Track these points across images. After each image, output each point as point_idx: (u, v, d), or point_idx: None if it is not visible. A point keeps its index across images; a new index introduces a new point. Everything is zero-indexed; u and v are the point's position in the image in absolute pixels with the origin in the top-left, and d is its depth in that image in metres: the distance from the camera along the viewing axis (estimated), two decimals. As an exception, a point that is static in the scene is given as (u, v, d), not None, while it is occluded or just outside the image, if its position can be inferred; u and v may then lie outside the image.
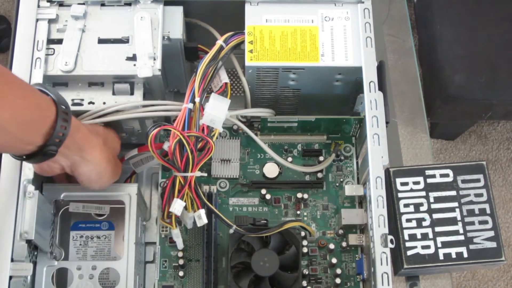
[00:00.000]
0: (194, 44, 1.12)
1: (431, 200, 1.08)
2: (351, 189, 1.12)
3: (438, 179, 1.10)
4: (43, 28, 1.06)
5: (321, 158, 1.17)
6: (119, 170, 1.05)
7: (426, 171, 1.10)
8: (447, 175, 1.10)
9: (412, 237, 1.05)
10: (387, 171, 1.13)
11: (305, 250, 1.10)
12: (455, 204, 1.08)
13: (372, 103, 1.03)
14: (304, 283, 1.08)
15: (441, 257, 1.05)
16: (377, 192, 0.99)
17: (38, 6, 1.07)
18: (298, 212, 1.14)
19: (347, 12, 1.09)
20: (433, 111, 2.13)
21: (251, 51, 1.07)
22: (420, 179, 1.09)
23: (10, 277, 0.93)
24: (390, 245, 0.96)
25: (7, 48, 1.08)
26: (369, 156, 1.01)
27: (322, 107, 1.17)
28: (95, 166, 0.97)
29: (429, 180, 1.09)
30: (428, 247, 1.05)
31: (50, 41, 1.06)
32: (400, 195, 1.06)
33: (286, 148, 1.18)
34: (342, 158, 1.18)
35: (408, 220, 1.06)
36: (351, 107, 1.15)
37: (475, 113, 2.15)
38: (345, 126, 1.15)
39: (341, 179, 1.17)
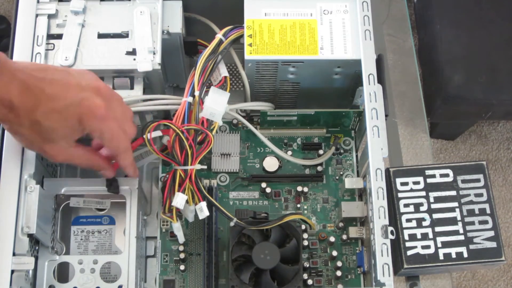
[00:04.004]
0: (193, 39, 1.12)
1: (431, 200, 1.08)
2: (351, 182, 1.13)
3: (438, 179, 1.10)
4: (43, 23, 1.06)
5: (320, 152, 1.17)
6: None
7: (426, 171, 1.10)
8: (447, 175, 1.10)
9: (412, 237, 1.05)
10: (387, 171, 1.13)
11: (305, 243, 1.10)
12: (455, 204, 1.08)
13: (371, 96, 1.04)
14: (305, 275, 1.08)
15: (441, 257, 1.05)
16: (377, 183, 0.99)
17: (38, 2, 1.07)
18: (298, 206, 1.15)
19: (345, 5, 1.10)
20: (433, 111, 2.13)
21: (250, 45, 1.07)
22: (420, 179, 1.09)
23: (12, 271, 0.93)
24: (391, 236, 0.96)
25: (7, 48, 1.08)
26: (369, 147, 1.01)
27: (321, 101, 1.17)
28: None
29: (429, 180, 1.09)
30: (428, 247, 1.05)
31: (50, 36, 1.06)
32: (400, 195, 1.06)
33: (285, 141, 1.18)
34: (342, 151, 1.18)
35: (408, 220, 1.06)
36: (350, 100, 1.15)
37: (475, 113, 2.16)
38: (345, 119, 1.15)
39: (341, 172, 1.17)
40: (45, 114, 0.86)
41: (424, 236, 1.05)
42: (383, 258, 0.95)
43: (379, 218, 0.97)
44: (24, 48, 1.04)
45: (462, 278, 2.32)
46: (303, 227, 1.10)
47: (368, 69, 1.05)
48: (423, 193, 1.08)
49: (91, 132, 0.90)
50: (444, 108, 2.09)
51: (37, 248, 0.99)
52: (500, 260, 1.06)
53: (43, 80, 0.86)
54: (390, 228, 0.96)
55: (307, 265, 1.10)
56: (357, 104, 1.14)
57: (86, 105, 0.87)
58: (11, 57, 1.04)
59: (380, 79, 1.05)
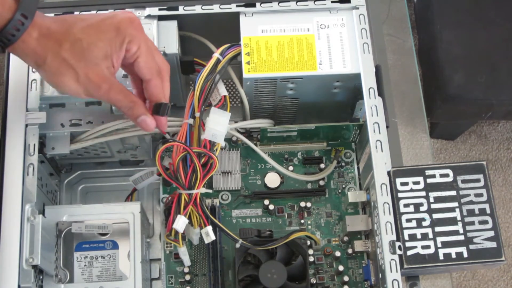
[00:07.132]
0: (190, 58, 1.11)
1: (431, 200, 1.07)
2: (354, 196, 1.12)
3: (438, 179, 1.08)
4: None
5: (322, 166, 1.16)
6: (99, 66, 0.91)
7: (426, 171, 1.09)
8: (447, 175, 1.09)
9: (412, 237, 1.04)
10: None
11: (311, 259, 1.09)
12: (455, 204, 1.07)
13: (372, 110, 1.03)
14: (312, 292, 1.07)
15: (441, 257, 1.04)
16: (382, 199, 0.99)
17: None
18: (302, 221, 1.14)
19: (342, 19, 1.09)
20: (433, 111, 2.13)
21: (248, 63, 1.06)
22: (420, 179, 1.08)
23: (18, 304, 0.92)
24: (399, 252, 0.96)
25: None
26: (373, 163, 1.00)
27: (320, 114, 1.17)
28: (49, 74, 0.91)
29: (429, 180, 1.08)
30: (428, 247, 1.04)
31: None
32: (400, 195, 1.05)
33: (286, 157, 1.18)
34: (343, 164, 1.17)
35: (408, 220, 1.05)
36: (349, 112, 1.14)
37: (475, 113, 2.15)
38: (345, 132, 1.14)
39: (343, 186, 1.16)
40: (82, 30, 0.88)
41: (424, 236, 1.04)
42: (392, 274, 0.95)
43: (386, 234, 0.97)
44: (19, 75, 1.03)
45: (462, 278, 2.32)
46: (308, 243, 1.09)
47: (368, 83, 1.04)
48: (423, 193, 1.07)
49: (130, 41, 0.91)
50: (444, 108, 2.09)
51: (41, 277, 0.98)
52: (500, 260, 1.06)
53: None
54: (398, 244, 0.96)
55: (314, 281, 1.09)
56: (357, 117, 1.13)
57: (122, 16, 0.91)
58: (7, 86, 1.03)
59: (380, 91, 1.04)
